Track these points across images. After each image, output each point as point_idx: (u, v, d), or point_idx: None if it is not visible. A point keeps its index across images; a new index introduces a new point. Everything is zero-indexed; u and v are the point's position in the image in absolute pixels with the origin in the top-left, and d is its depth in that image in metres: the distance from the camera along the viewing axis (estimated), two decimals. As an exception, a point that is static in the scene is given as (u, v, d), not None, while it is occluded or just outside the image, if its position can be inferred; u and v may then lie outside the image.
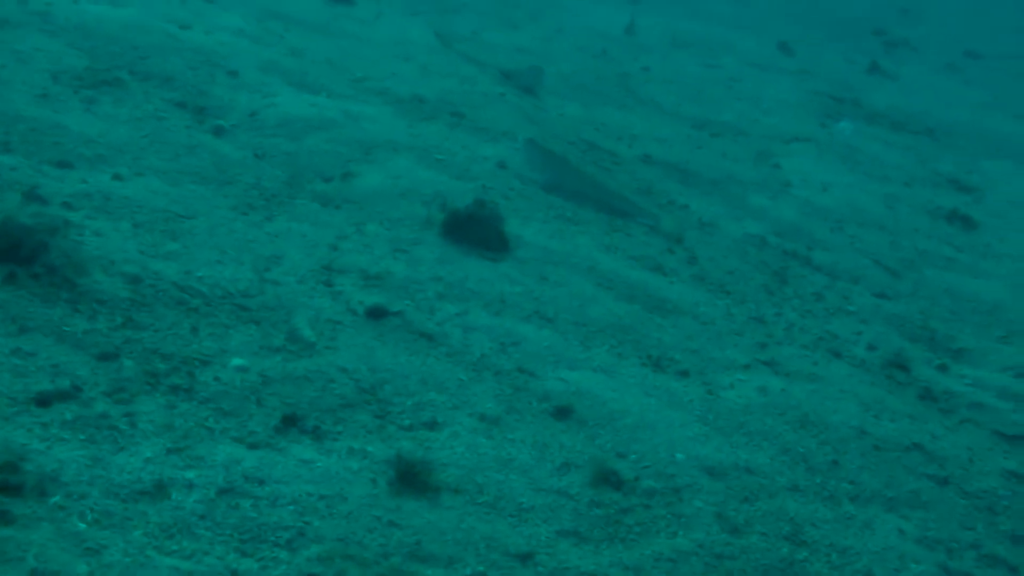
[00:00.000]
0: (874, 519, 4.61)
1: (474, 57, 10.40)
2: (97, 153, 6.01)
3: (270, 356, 4.67)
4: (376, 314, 5.28)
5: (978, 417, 5.88)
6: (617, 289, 6.35)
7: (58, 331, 4.26)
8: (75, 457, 3.59)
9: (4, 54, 6.89)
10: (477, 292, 5.80)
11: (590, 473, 4.41)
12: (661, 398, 5.23)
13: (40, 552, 3.10)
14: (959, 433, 5.65)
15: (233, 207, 5.96)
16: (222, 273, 5.18)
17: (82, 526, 3.29)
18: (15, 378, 3.91)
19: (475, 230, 6.33)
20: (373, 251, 5.94)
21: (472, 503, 4.07)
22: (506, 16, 12.86)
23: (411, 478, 4.08)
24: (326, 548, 3.54)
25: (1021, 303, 7.63)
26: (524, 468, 4.36)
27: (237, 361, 4.53)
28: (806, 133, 10.77)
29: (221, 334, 4.70)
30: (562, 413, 4.89)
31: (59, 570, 3.06)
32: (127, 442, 3.78)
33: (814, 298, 7.04)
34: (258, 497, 3.72)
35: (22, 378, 3.93)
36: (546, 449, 4.54)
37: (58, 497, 3.37)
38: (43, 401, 3.83)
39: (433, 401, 4.72)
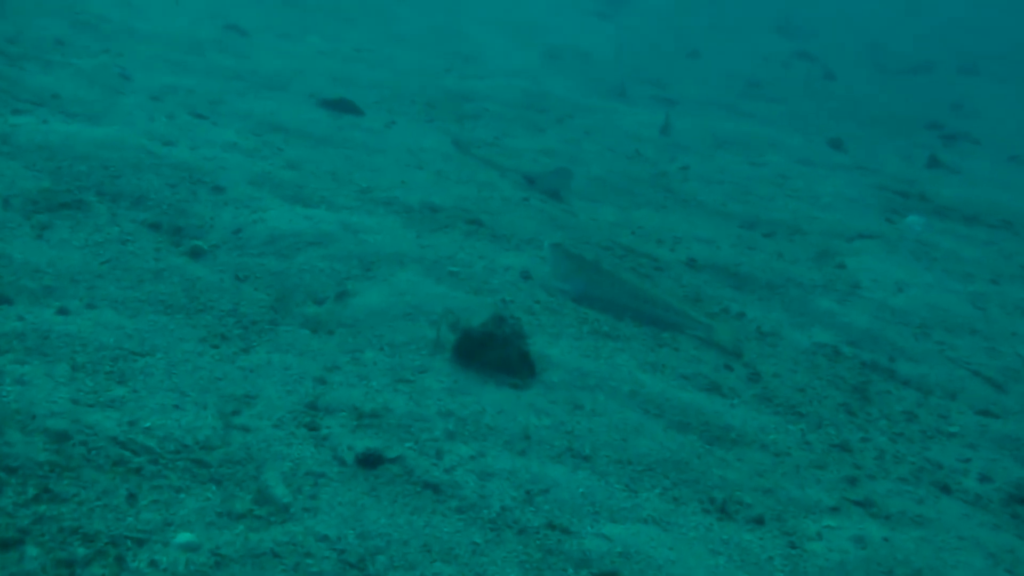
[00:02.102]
0: None
1: (495, 162, 9.73)
2: (44, 285, 5.26)
3: (230, 526, 3.78)
4: (369, 462, 4.39)
5: None
6: (667, 416, 5.43)
7: (-54, 509, 3.42)
8: None
9: (-47, 178, 6.27)
10: (496, 428, 4.90)
11: (645, 669, 3.44)
12: (731, 556, 4.25)
13: None
14: (1115, 586, 4.57)
15: (202, 339, 5.16)
16: (178, 421, 4.34)
17: None
18: None
19: (493, 352, 5.48)
20: (370, 383, 5.09)
21: None
22: (530, 120, 12.26)
23: None
24: None
25: None
26: (557, 666, 3.39)
27: (184, 537, 3.64)
28: (871, 229, 9.90)
29: (168, 501, 3.83)
30: (605, 583, 3.93)
31: None
32: (11, 662, 2.88)
33: (905, 418, 6.05)
34: None
35: None
36: (586, 637, 3.57)
37: None
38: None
39: (439, 574, 3.78)
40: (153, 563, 3.44)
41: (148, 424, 4.22)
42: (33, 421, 3.98)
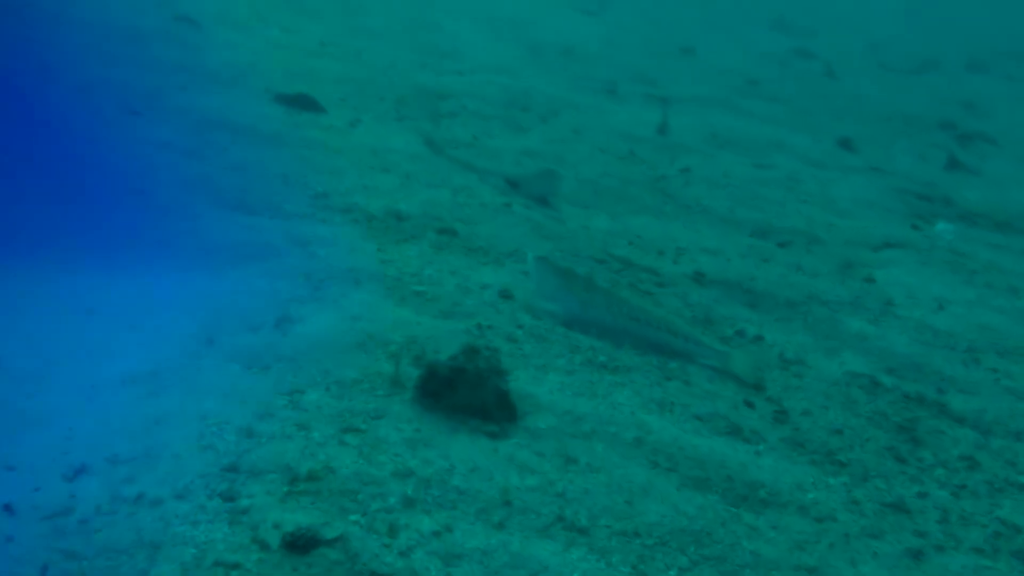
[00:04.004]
0: None
1: (472, 164, 8.82)
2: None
3: (98, 645, 2.85)
4: (300, 545, 3.46)
5: None
6: (681, 469, 4.52)
7: None
8: None
9: None
10: (468, 492, 3.99)
11: None
12: (775, 667, 3.33)
13: None
14: None
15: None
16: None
17: None
18: None
19: (465, 392, 4.56)
20: (310, 434, 4.17)
21: None
22: (512, 119, 11.34)
23: None
24: None
25: None
26: None
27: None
28: (897, 237, 9.02)
29: (13, 610, 2.89)
30: None
31: None
32: None
33: (966, 466, 5.15)
34: None
35: None
36: None
37: None
38: None
39: None
40: None
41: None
42: None
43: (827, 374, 6.03)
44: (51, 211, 5.68)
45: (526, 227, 7.31)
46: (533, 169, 8.78)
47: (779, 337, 6.48)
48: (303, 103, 9.86)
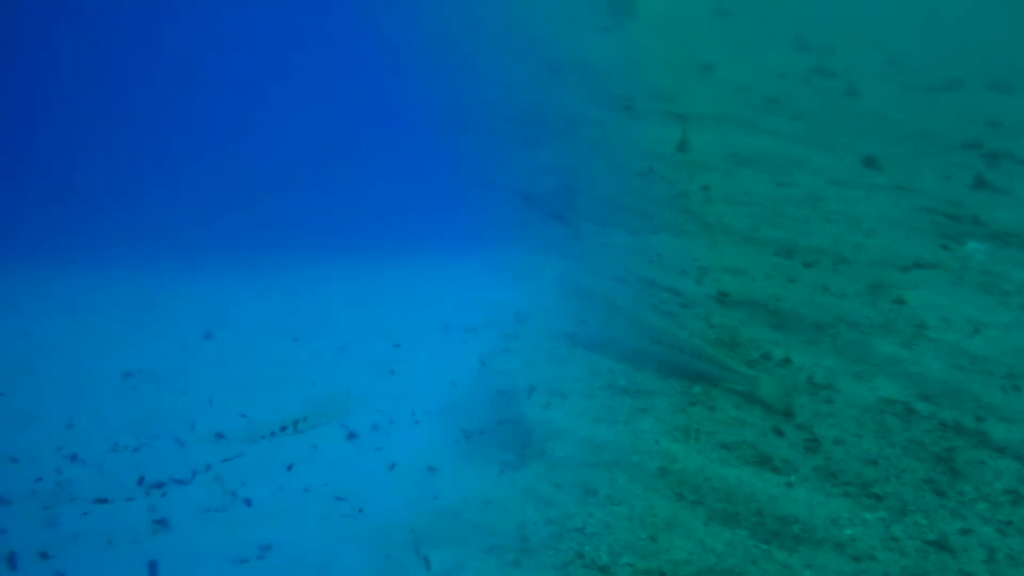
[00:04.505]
0: None
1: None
2: None
3: None
4: (299, 584, 3.24)
5: None
6: (708, 502, 4.27)
7: None
8: None
9: None
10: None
11: None
12: None
13: None
14: None
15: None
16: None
17: None
18: None
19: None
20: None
21: None
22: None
23: None
24: None
25: None
26: None
27: None
28: (927, 258, 8.75)
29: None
30: None
31: None
32: None
33: (1010, 500, 4.88)
34: None
35: None
36: None
37: None
38: None
39: None
40: None
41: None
42: None
43: (859, 400, 5.77)
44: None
45: (542, 245, 7.09)
46: (549, 185, 8.57)
47: (807, 360, 6.22)
48: (313, 116, 9.70)
